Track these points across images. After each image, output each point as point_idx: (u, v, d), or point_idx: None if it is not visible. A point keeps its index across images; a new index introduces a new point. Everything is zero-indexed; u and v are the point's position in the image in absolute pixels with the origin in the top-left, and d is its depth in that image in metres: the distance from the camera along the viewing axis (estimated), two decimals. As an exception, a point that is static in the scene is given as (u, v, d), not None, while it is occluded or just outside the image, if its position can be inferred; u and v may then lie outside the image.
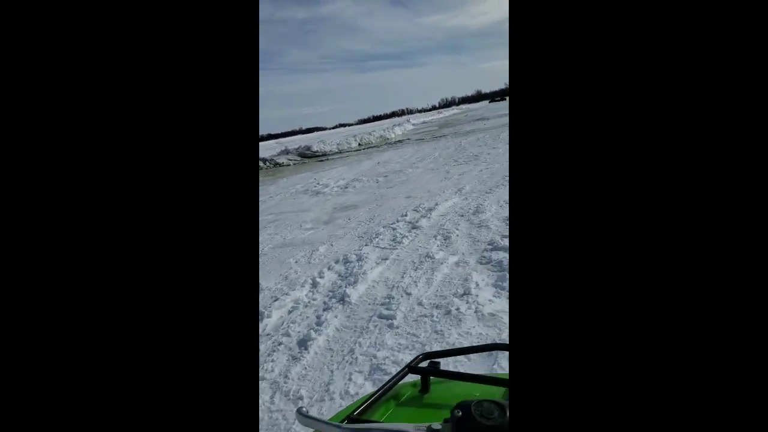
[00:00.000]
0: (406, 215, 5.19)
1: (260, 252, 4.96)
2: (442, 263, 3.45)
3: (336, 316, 2.89)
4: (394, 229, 4.72)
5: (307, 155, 19.26)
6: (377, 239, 4.44)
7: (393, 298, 2.98)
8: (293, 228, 5.89)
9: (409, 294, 2.99)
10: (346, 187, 8.57)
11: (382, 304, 2.93)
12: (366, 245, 4.32)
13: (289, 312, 3.12)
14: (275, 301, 3.28)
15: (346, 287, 3.30)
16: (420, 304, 2.82)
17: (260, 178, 13.90)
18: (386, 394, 0.83)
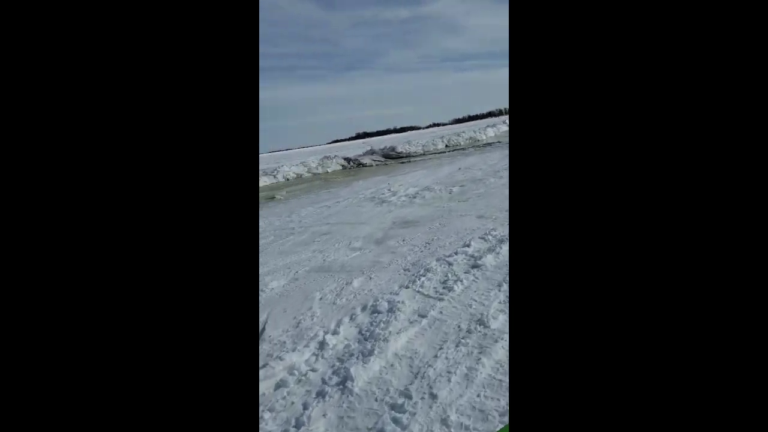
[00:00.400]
0: (469, 245, 4.10)
1: (293, 276, 4.26)
2: (497, 340, 2.36)
3: (324, 415, 2.00)
4: (449, 264, 3.68)
5: (391, 156, 18.65)
6: (424, 278, 3.45)
7: (410, 398, 1.99)
8: (340, 246, 5.12)
9: (434, 397, 1.98)
10: (415, 197, 7.62)
11: (393, 407, 1.95)
12: (407, 286, 3.35)
13: (274, 389, 2.30)
14: (264, 367, 2.48)
15: (356, 360, 2.38)
16: (445, 423, 1.80)
17: (341, 178, 13.55)
18: None
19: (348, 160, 17.91)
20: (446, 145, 20.41)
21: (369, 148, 20.99)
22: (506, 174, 8.50)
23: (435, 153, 17.95)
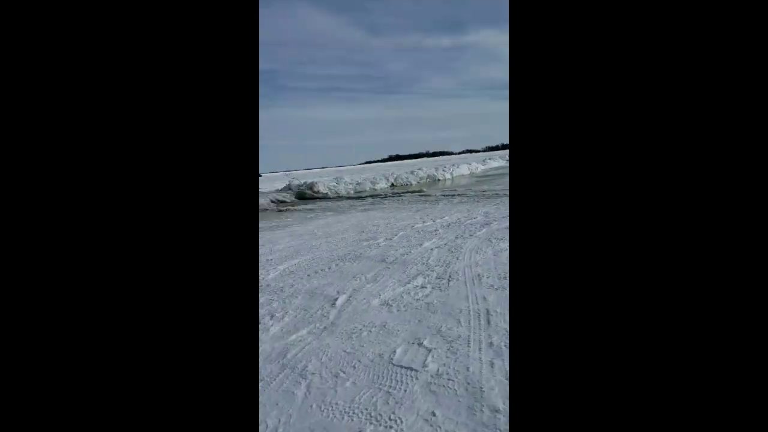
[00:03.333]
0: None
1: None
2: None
3: None
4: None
5: (305, 197, 14.18)
6: None
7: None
8: None
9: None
10: None
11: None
12: None
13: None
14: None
15: None
16: None
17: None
18: None
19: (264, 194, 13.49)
20: (393, 184, 15.72)
21: (287, 183, 16.42)
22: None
23: (364, 196, 13.25)
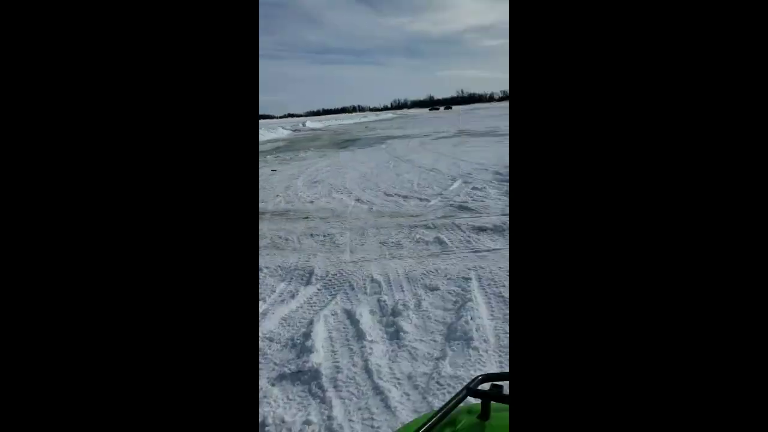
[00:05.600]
0: None
1: None
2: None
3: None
4: None
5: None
6: None
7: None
8: None
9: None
10: None
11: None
12: None
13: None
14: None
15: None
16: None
17: None
18: (442, 421, 0.73)
19: None
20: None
21: None
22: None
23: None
